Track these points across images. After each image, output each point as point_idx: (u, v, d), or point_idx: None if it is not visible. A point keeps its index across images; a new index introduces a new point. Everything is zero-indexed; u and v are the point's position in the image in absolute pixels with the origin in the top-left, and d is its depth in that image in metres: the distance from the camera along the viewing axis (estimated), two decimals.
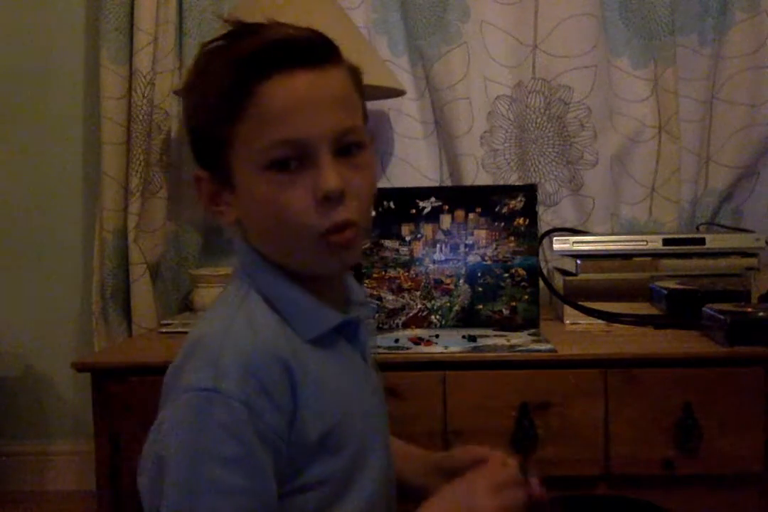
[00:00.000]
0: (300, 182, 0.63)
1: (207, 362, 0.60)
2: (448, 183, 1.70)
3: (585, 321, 1.38)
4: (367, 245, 1.35)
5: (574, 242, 1.42)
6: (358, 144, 0.66)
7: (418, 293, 1.37)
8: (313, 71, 0.64)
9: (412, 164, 1.70)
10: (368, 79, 1.41)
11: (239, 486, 0.57)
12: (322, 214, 0.63)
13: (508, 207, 1.36)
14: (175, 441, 0.58)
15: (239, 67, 0.62)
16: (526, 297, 1.35)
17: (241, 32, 0.66)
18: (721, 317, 1.16)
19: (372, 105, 1.70)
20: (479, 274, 1.36)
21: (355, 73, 0.70)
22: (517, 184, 1.64)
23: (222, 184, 0.68)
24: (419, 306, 1.37)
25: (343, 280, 0.75)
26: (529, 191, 1.36)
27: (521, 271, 1.35)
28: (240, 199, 0.67)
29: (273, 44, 0.63)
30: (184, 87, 0.71)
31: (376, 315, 1.35)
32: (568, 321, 1.40)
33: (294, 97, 0.63)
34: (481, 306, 1.36)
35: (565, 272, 1.45)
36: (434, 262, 1.37)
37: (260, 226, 0.67)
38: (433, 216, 1.36)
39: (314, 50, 0.64)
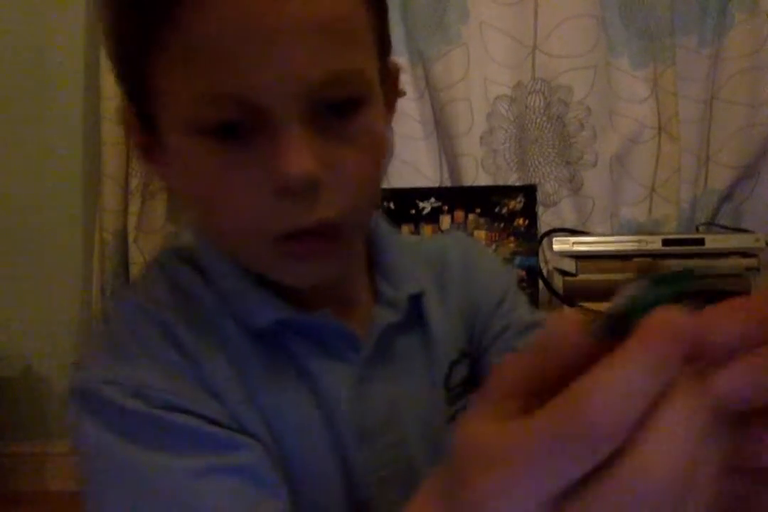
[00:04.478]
0: (251, 158, 0.39)
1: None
2: (447, 183, 1.70)
3: None
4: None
5: (573, 242, 1.41)
6: (356, 100, 0.40)
7: None
8: None
9: (412, 164, 1.70)
10: None
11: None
12: (281, 212, 0.40)
13: (508, 207, 1.35)
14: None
15: None
16: (526, 297, 1.35)
17: None
18: None
19: None
20: None
21: None
22: (516, 184, 1.64)
23: (150, 135, 0.44)
24: None
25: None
26: (529, 191, 1.36)
27: (521, 272, 1.35)
28: (171, 164, 0.44)
29: None
30: None
31: None
32: None
33: (236, 23, 0.36)
34: None
35: (564, 272, 1.45)
36: None
37: (195, 211, 0.45)
38: (433, 216, 1.36)
39: None
